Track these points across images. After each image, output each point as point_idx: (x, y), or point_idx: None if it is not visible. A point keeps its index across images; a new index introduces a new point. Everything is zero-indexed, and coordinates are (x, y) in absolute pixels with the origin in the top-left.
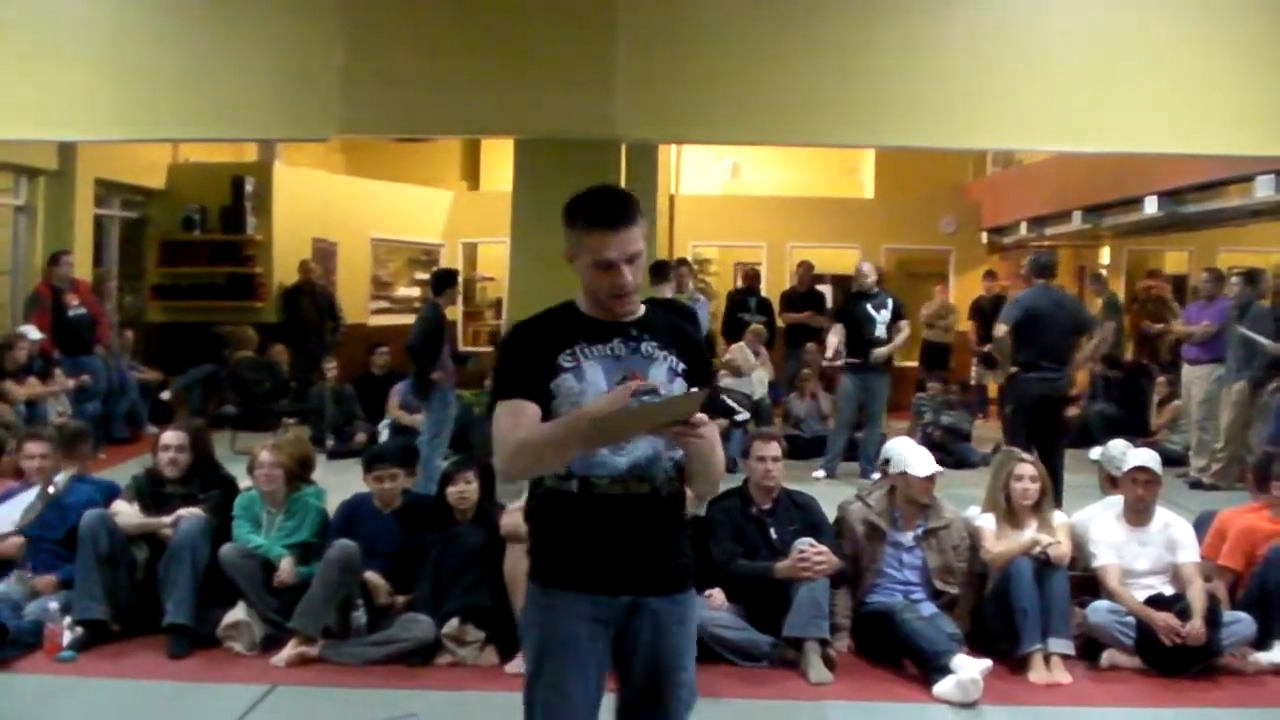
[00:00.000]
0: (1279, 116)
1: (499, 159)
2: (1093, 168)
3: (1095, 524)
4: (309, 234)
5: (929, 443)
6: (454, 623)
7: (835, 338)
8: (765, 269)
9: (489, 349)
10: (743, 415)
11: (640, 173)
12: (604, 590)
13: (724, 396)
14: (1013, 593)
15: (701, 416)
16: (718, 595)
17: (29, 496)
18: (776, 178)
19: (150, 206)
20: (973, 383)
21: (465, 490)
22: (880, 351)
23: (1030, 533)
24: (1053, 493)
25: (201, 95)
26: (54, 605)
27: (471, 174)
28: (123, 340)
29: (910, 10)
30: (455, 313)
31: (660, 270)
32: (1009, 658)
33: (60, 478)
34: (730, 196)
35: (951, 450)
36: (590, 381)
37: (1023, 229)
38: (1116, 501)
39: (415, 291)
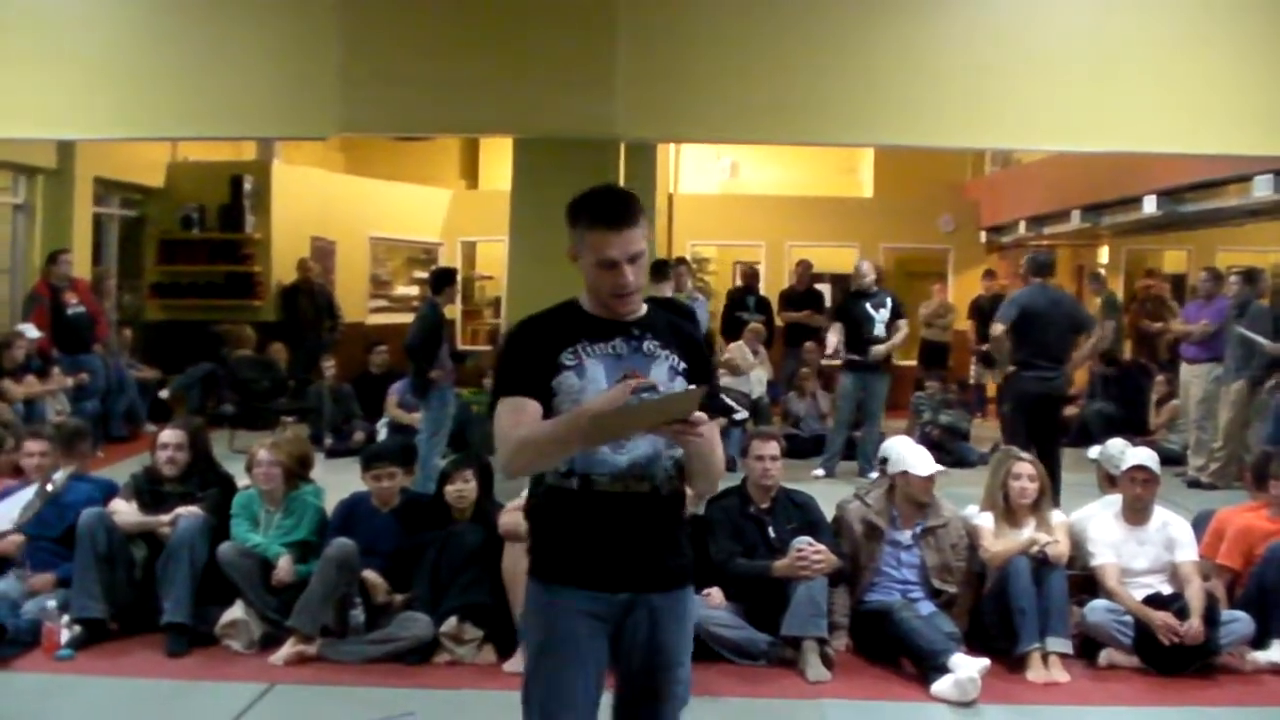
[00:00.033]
0: (1277, 116)
1: (498, 158)
2: (1091, 167)
3: (1093, 523)
4: (308, 233)
5: (927, 441)
6: (452, 621)
7: (834, 336)
8: (764, 268)
9: (487, 348)
10: (741, 414)
11: (639, 172)
12: (603, 587)
13: (722, 395)
14: (1011, 591)
15: (701, 415)
16: (716, 594)
17: (27, 494)
18: (775, 177)
19: (149, 205)
20: (972, 381)
21: (463, 489)
22: (879, 349)
23: (1028, 532)
24: (1051, 492)
25: (200, 94)
26: (52, 604)
27: (470, 173)
28: (121, 339)
29: (909, 9)
30: (454, 311)
31: (660, 269)
32: (1007, 657)
33: (59, 476)
34: (729, 195)
35: (950, 449)
36: (591, 379)
37: (1021, 228)
38: (1115, 500)
39: (414, 290)
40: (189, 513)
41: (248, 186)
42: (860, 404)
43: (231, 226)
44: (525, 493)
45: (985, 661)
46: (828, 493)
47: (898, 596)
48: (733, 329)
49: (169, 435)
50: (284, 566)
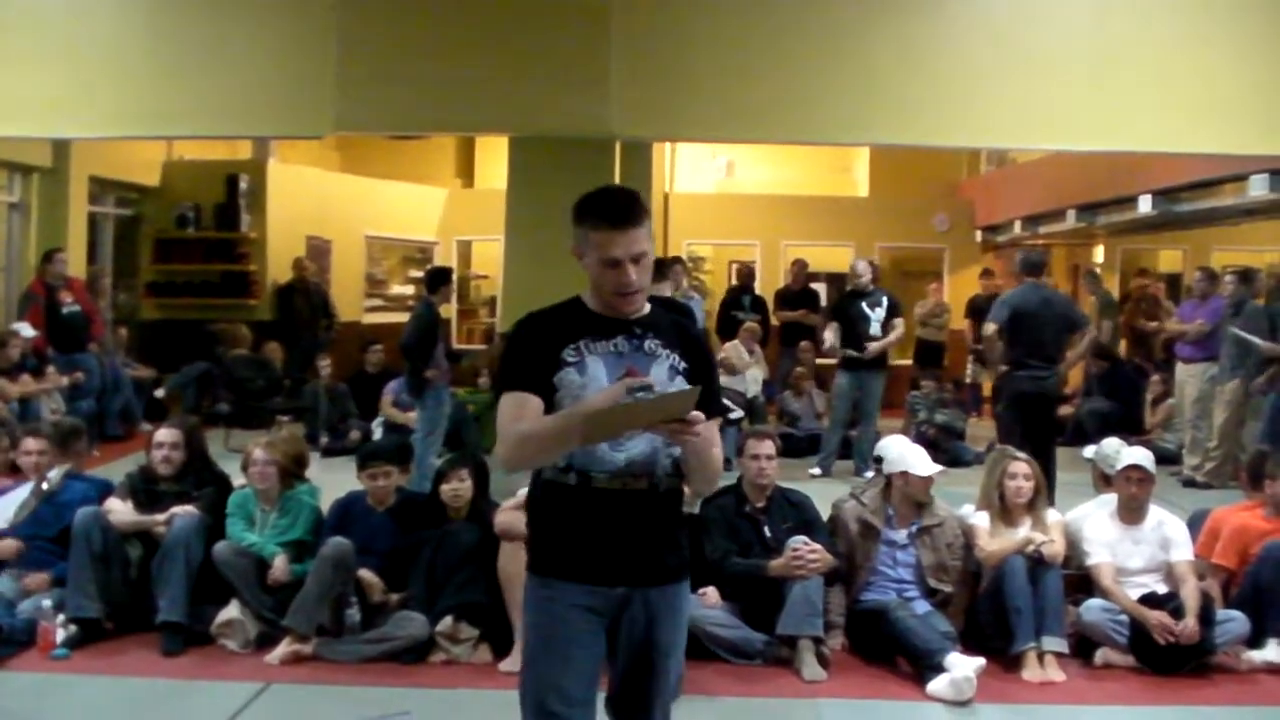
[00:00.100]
0: (1273, 115)
1: (493, 157)
2: (1087, 166)
3: (1089, 522)
4: (303, 231)
5: (923, 441)
6: (448, 620)
7: (830, 334)
8: (759, 267)
9: (483, 347)
10: (736, 413)
11: (634, 171)
12: (600, 581)
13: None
14: (1006, 591)
15: (698, 415)
16: (712, 593)
17: (23, 493)
18: (770, 176)
19: (144, 204)
20: (968, 381)
21: (459, 488)
22: (874, 346)
23: (1024, 531)
24: (1046, 491)
25: (197, 93)
26: (47, 603)
27: (466, 172)
28: (116, 338)
29: (907, 9)
30: (449, 311)
31: (659, 269)
32: (1003, 656)
33: (54, 475)
34: (724, 195)
35: (945, 448)
36: (593, 376)
37: (1017, 227)
38: (1110, 500)
39: (409, 289)
40: (184, 512)
41: (243, 185)
42: (856, 403)
43: (227, 225)
44: (521, 492)
45: (981, 661)
46: (823, 492)
47: (893, 596)
48: (728, 328)
49: (164, 434)
50: (279, 566)
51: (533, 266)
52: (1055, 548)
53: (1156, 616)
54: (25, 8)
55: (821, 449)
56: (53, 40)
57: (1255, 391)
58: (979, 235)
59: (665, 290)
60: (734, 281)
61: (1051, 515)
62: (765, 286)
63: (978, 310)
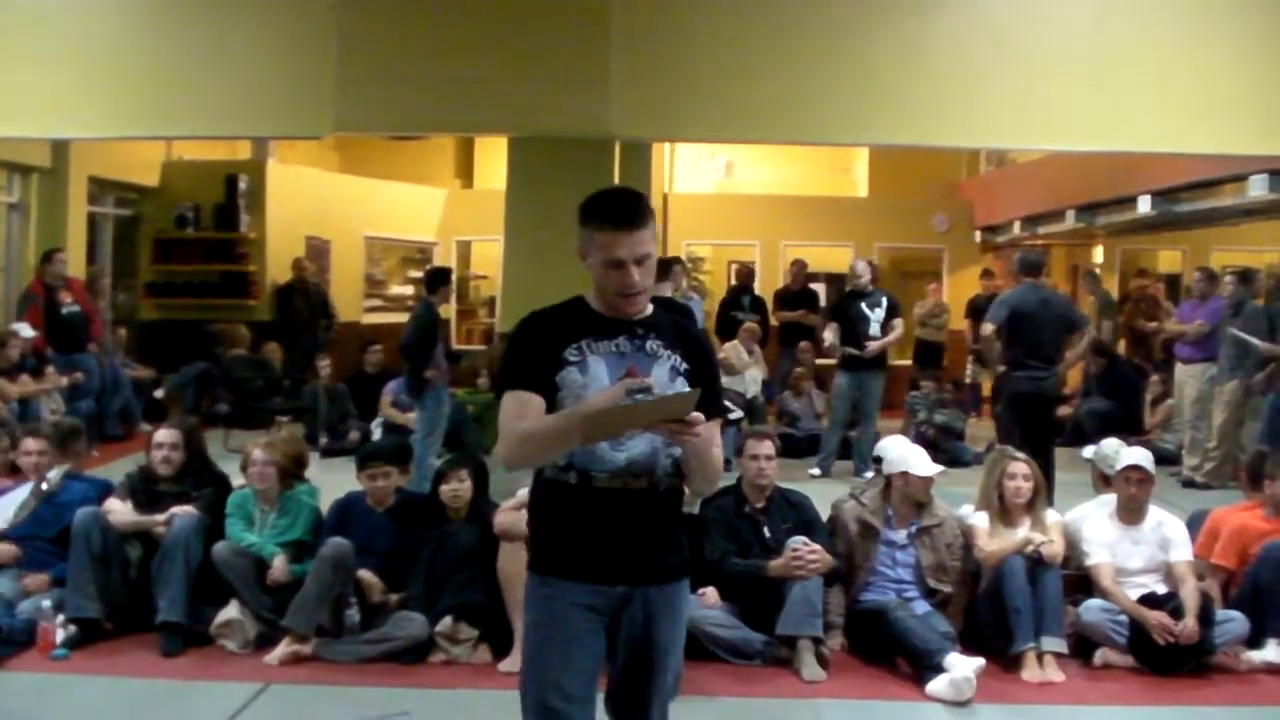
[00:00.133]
0: (1272, 115)
1: (493, 157)
2: (1086, 167)
3: (1088, 523)
4: (302, 232)
5: (922, 441)
6: (447, 621)
7: (830, 334)
8: (759, 267)
9: (482, 347)
10: (735, 414)
11: (634, 171)
12: (600, 579)
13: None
14: (1006, 591)
15: (698, 415)
16: (711, 594)
17: (22, 493)
18: (770, 176)
19: (144, 204)
20: (967, 381)
21: (458, 489)
22: (873, 345)
23: (1023, 531)
24: (1046, 491)
25: (196, 93)
26: (47, 603)
27: (465, 172)
28: (116, 338)
29: (906, 9)
30: (449, 311)
31: (661, 269)
32: (1002, 656)
33: (53, 474)
34: (724, 195)
35: (945, 449)
36: (594, 376)
37: (1016, 228)
38: (1109, 500)
39: (409, 289)
40: (184, 512)
41: (243, 186)
42: (856, 403)
43: (226, 226)
44: (521, 492)
45: (980, 661)
46: (823, 492)
47: (893, 596)
48: (728, 328)
49: (164, 435)
50: (279, 566)
51: (532, 267)
52: (1054, 548)
53: (1156, 617)
54: (26, 8)
55: (821, 449)
56: (53, 40)
57: (1254, 392)
58: (978, 235)
59: (666, 291)
60: (733, 282)
61: (1051, 515)
62: (765, 287)
63: (977, 310)
